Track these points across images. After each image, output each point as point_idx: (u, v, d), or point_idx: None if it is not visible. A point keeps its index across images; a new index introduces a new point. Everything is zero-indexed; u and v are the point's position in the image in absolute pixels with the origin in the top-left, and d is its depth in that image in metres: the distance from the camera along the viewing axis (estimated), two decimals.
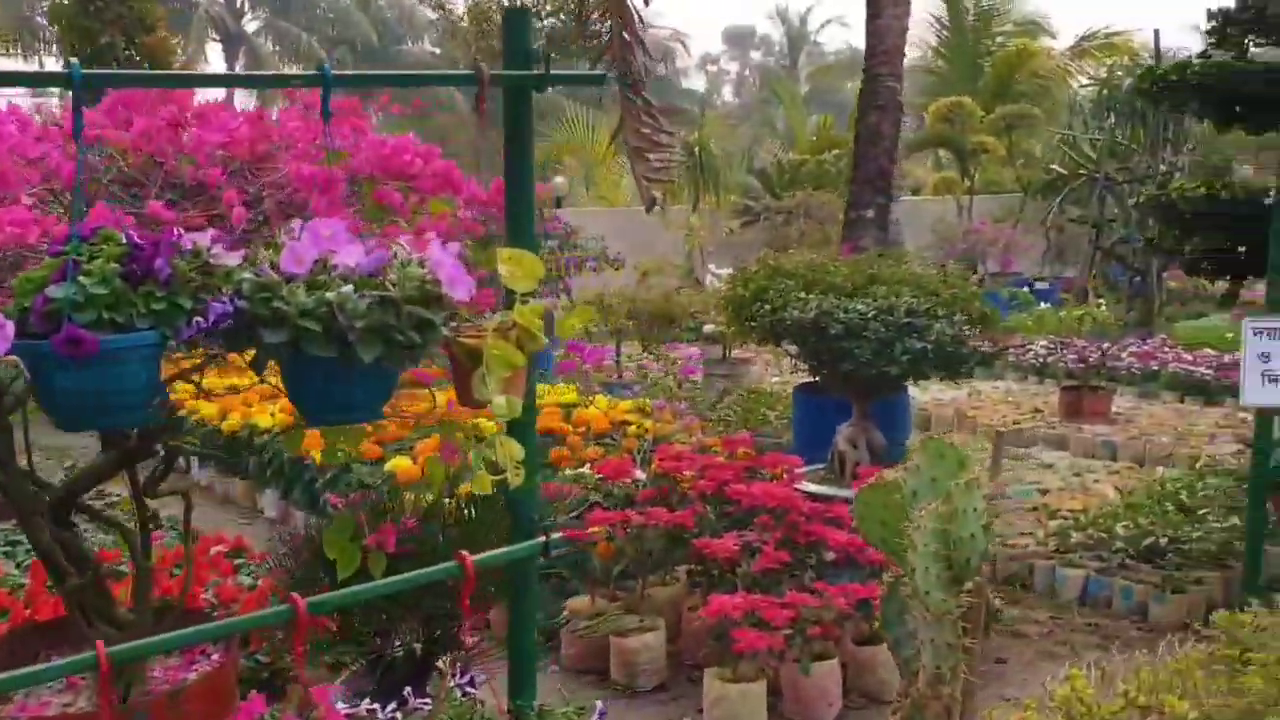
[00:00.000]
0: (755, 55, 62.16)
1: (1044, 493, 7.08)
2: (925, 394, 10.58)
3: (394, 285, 2.08)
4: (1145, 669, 3.62)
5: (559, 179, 16.12)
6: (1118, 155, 13.42)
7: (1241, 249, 6.41)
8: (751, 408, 8.98)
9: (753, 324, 5.75)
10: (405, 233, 3.01)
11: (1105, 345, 10.43)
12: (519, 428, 2.48)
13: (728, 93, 62.89)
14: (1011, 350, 11.79)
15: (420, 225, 3.07)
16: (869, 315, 5.37)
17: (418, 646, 3.47)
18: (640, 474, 5.41)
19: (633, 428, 6.70)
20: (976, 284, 17.06)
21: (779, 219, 15.77)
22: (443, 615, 3.56)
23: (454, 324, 2.30)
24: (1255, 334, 3.96)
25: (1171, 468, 7.38)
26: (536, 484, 2.51)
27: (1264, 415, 4.41)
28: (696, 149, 16.09)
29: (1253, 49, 6.43)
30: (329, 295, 1.98)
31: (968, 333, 5.47)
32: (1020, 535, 6.20)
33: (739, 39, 63.83)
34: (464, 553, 2.37)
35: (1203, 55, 6.72)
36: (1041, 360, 11.25)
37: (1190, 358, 10.66)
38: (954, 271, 7.98)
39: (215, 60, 47.76)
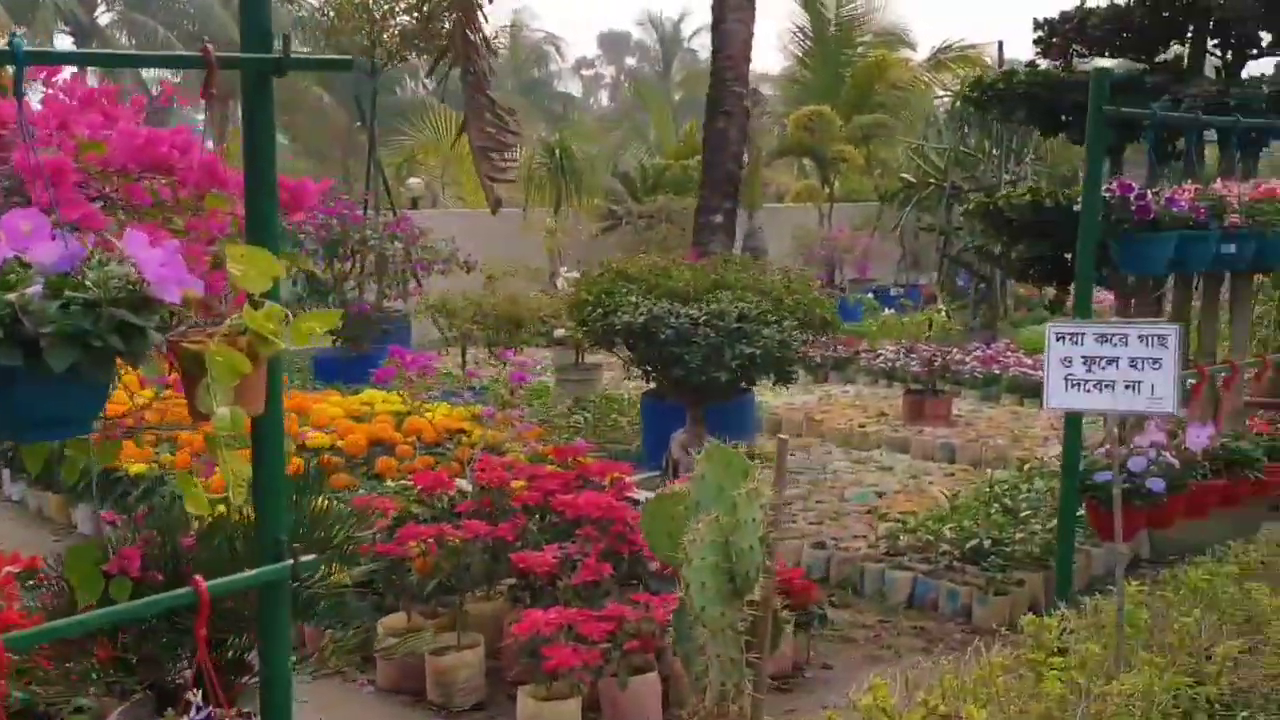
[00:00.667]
0: (630, 61, 62.40)
1: (881, 495, 7.14)
2: (778, 398, 10.66)
3: (97, 285, 1.88)
4: (949, 675, 3.61)
5: (414, 180, 15.79)
6: (964, 165, 13.76)
7: (1068, 255, 6.58)
8: (603, 414, 8.88)
9: (585, 328, 5.64)
10: (163, 230, 2.80)
11: (948, 350, 10.64)
12: (265, 439, 2.30)
13: (604, 97, 63.01)
14: (863, 355, 11.97)
15: (189, 223, 2.86)
16: (700, 321, 5.31)
17: (188, 674, 3.23)
18: (466, 485, 5.24)
19: (467, 437, 6.52)
20: (832, 290, 17.36)
21: (641, 223, 15.75)
22: (224, 640, 3.33)
23: (181, 328, 2.11)
24: (1057, 339, 4.00)
25: (1004, 470, 7.53)
26: (282, 502, 2.33)
27: (1073, 418, 4.48)
28: (557, 151, 15.95)
29: (1076, 60, 6.60)
30: (9, 297, 1.77)
31: (798, 338, 5.44)
32: (854, 538, 6.23)
33: (615, 44, 64.02)
34: (198, 578, 2.18)
35: (1030, 65, 6.88)
36: (890, 365, 11.43)
37: (1030, 362, 10.95)
38: (798, 277, 8.01)
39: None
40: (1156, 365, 3.91)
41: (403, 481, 5.40)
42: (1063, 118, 6.50)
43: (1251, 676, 4.00)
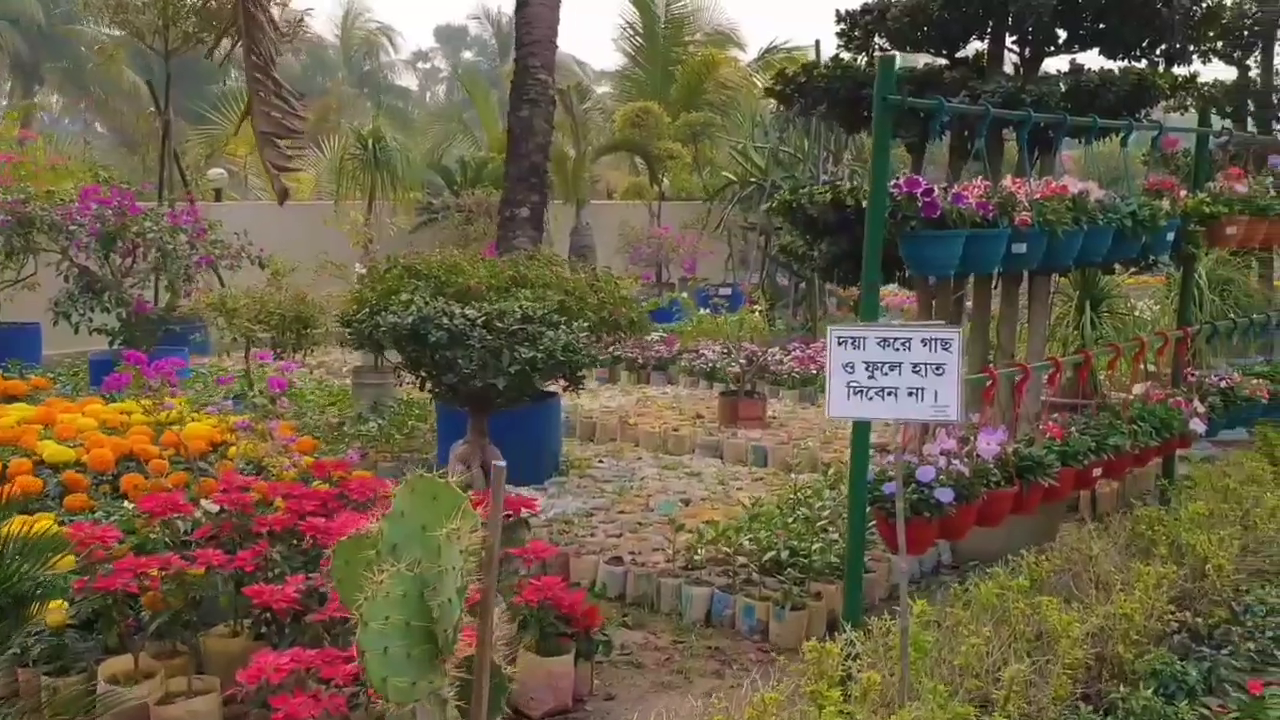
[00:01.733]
0: (468, 54, 61.33)
1: (687, 503, 6.85)
2: (595, 400, 10.31)
3: None
4: (747, 708, 3.29)
5: (216, 170, 14.82)
6: (784, 165, 13.70)
7: None
8: (401, 421, 8.34)
9: (350, 329, 5.13)
10: None
11: (765, 351, 10.49)
12: None
13: (441, 91, 61.75)
14: (685, 355, 11.73)
15: None
16: (477, 321, 4.87)
17: None
18: (212, 506, 4.67)
19: (234, 449, 5.92)
20: (657, 289, 17.15)
21: (459, 217, 15.17)
22: None
23: None
24: (839, 343, 3.72)
25: (813, 474, 7.33)
26: None
27: (861, 426, 4.23)
28: (370, 141, 15.22)
29: (877, 52, 6.43)
30: None
31: (584, 341, 5.06)
32: (654, 551, 5.90)
33: (451, 37, 62.89)
34: None
35: (834, 59, 6.69)
36: (711, 365, 11.22)
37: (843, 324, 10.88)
38: (605, 275, 7.65)
39: None
40: (940, 371, 3.67)
41: None
42: (864, 113, 6.31)
43: (1040, 699, 3.82)
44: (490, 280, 6.68)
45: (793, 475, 6.76)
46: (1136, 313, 8.03)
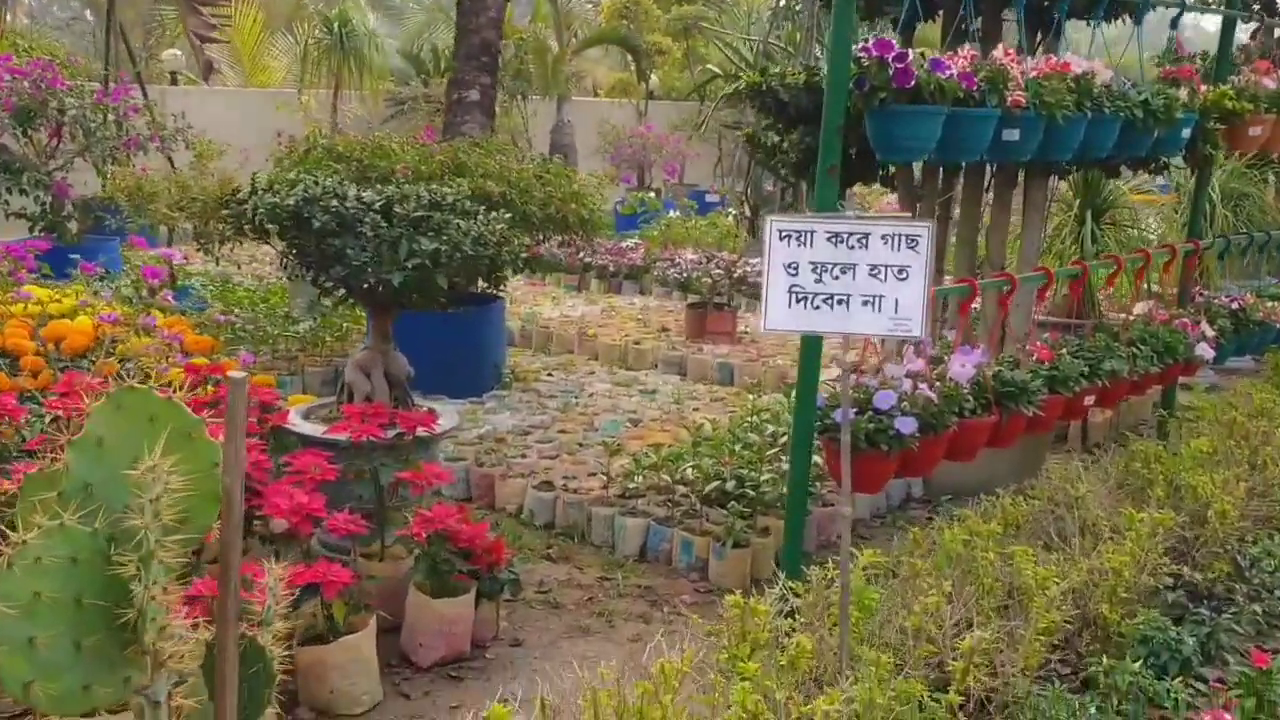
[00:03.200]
0: None
1: (636, 424, 6.21)
2: (556, 308, 9.63)
3: None
4: (607, 692, 2.67)
5: (170, 51, 13.88)
6: (774, 58, 12.80)
7: (854, 150, 5.66)
8: (331, 321, 7.65)
9: (228, 214, 4.41)
10: None
11: (738, 260, 9.77)
12: None
13: None
14: (660, 263, 10.99)
15: None
16: (373, 206, 4.15)
17: None
18: None
19: (120, 346, 5.23)
20: (642, 192, 16.31)
21: (429, 107, 14.30)
22: None
23: None
24: (781, 238, 3.02)
25: (778, 395, 6.68)
26: None
27: (811, 340, 3.56)
28: (336, 25, 14.26)
29: None
30: None
31: (504, 235, 4.35)
32: (590, 476, 5.27)
33: None
34: None
35: None
36: (686, 275, 10.50)
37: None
38: (556, 168, 6.91)
39: None
40: (903, 275, 2.98)
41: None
42: None
43: (1007, 671, 3.22)
44: (419, 165, 5.95)
45: (751, 396, 6.10)
46: (1142, 229, 7.29)
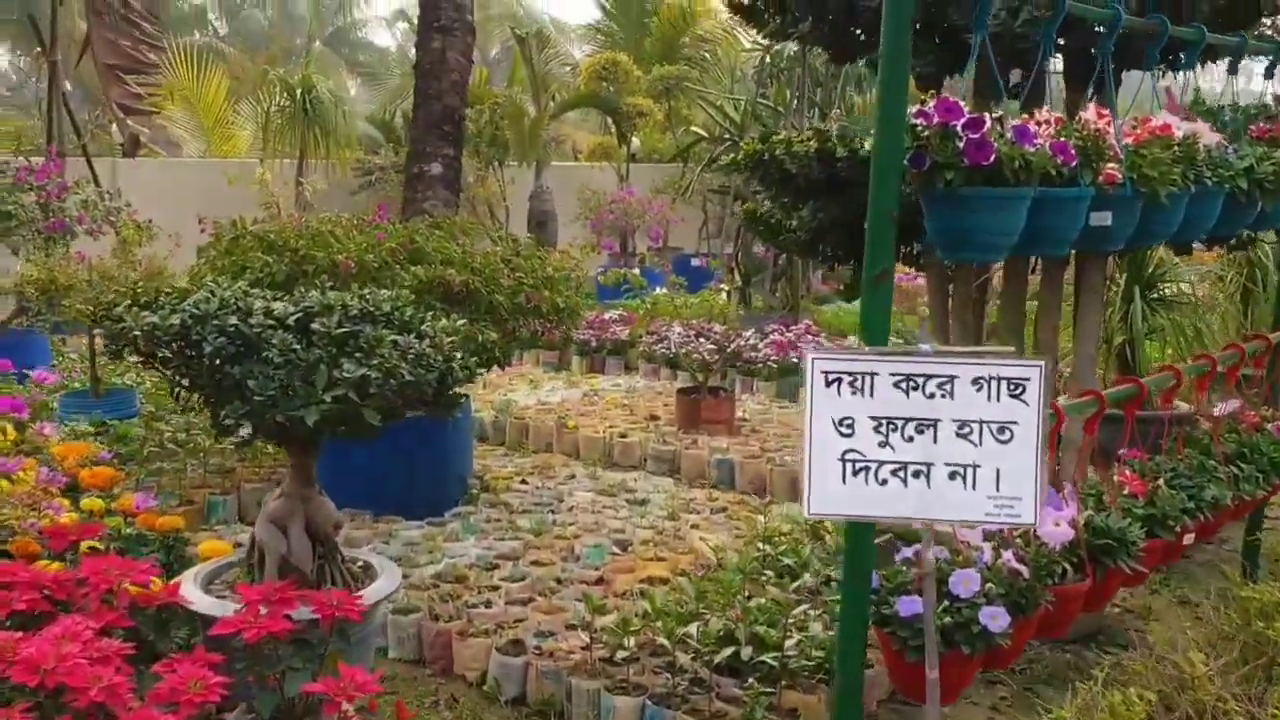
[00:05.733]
0: None
1: (625, 548, 5.26)
2: (534, 393, 8.71)
3: None
4: None
5: (132, 122, 13.01)
6: (762, 119, 12.04)
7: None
8: None
9: (113, 331, 3.49)
10: None
11: (737, 334, 8.89)
12: None
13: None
14: (646, 339, 10.09)
15: None
16: (286, 320, 3.25)
17: None
18: None
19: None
20: (624, 261, 15.48)
21: (400, 178, 13.44)
22: None
23: None
24: (829, 382, 2.13)
25: (791, 506, 5.76)
26: None
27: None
28: (300, 92, 13.45)
29: None
30: None
31: (447, 348, 3.44)
32: (569, 629, 4.30)
33: None
34: None
35: None
36: (674, 351, 9.60)
37: (832, 347, 9.35)
38: (528, 249, 6.04)
39: None
40: (1005, 435, 2.07)
41: None
42: (857, 32, 4.70)
43: None
44: (364, 255, 5.07)
45: (762, 519, 5.17)
46: (1195, 301, 6.42)
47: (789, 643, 3.79)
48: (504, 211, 15.75)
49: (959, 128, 2.54)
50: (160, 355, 3.22)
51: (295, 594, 3.03)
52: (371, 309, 3.42)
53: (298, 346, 3.17)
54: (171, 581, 3.47)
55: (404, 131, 15.45)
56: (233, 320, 3.18)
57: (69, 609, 3.14)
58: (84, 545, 3.52)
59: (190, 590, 3.45)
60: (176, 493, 5.66)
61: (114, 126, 13.01)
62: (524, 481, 6.38)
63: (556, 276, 5.89)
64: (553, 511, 5.77)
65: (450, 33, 6.85)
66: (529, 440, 7.49)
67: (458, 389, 3.70)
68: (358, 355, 3.24)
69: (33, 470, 4.03)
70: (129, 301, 3.37)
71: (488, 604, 4.51)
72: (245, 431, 3.29)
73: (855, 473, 2.11)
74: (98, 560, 3.18)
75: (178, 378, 3.29)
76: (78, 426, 5.96)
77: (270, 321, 3.25)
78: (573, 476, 6.56)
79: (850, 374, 2.13)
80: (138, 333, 3.17)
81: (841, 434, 2.13)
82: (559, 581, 4.81)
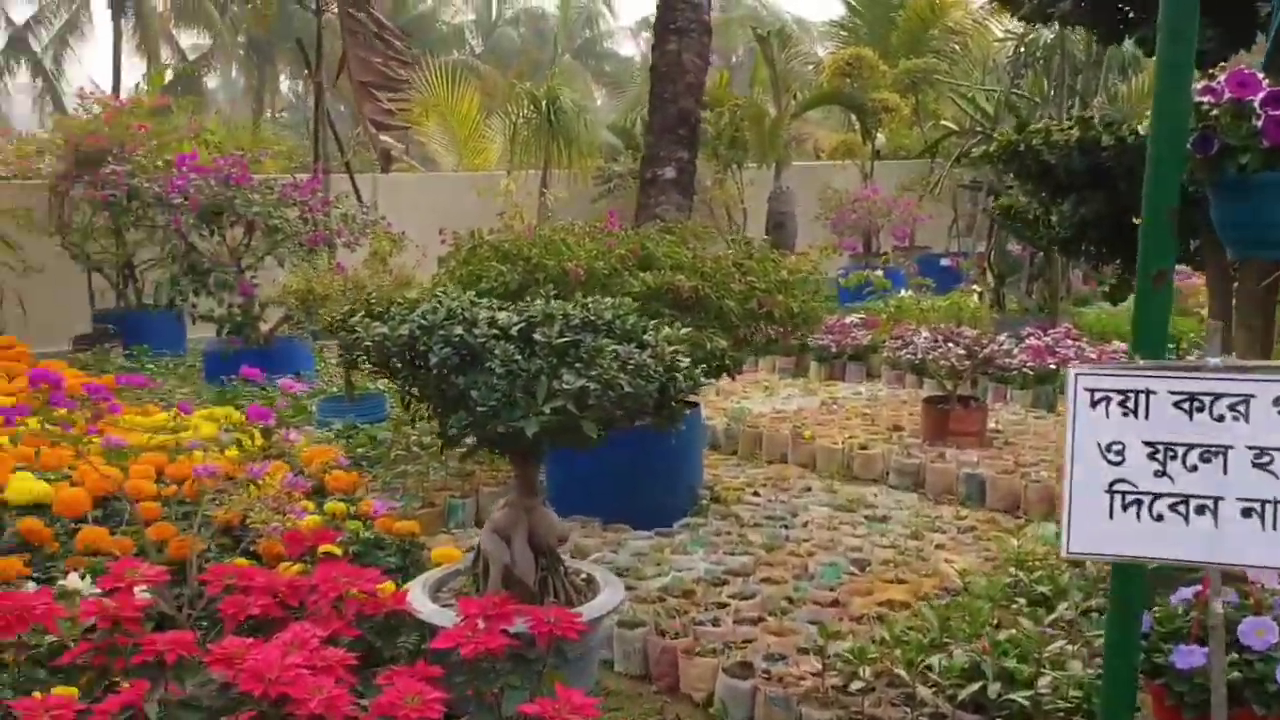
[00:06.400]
0: None
1: (863, 569, 4.98)
2: (769, 400, 8.51)
3: None
4: None
5: (383, 139, 13.69)
6: (1017, 110, 11.34)
7: (1136, 219, 4.33)
8: None
9: (342, 345, 3.55)
10: None
11: (990, 338, 8.36)
12: None
13: None
14: (890, 343, 9.68)
15: None
16: (510, 330, 3.19)
17: None
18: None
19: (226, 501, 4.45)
20: (868, 260, 15.00)
21: (637, 184, 13.53)
22: None
23: None
24: (1094, 402, 1.83)
25: (1048, 525, 5.30)
26: None
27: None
28: (544, 104, 13.76)
29: None
30: None
31: (669, 358, 3.30)
32: (803, 654, 4.08)
33: None
34: None
35: None
36: (920, 356, 9.15)
37: (1095, 354, 8.67)
38: (762, 252, 5.85)
39: (101, 19, 44.73)
40: None
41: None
42: (1125, 8, 4.25)
43: None
44: (594, 261, 5.01)
45: (1014, 541, 4.77)
46: None
47: (1042, 681, 3.43)
48: (742, 214, 15.61)
49: (1256, 103, 2.17)
50: (391, 365, 3.23)
51: (513, 609, 2.96)
52: (593, 318, 3.32)
53: (519, 357, 3.10)
54: (401, 588, 3.49)
55: (642, 138, 15.60)
56: (458, 330, 3.15)
57: (301, 614, 3.20)
58: (321, 549, 3.59)
59: (417, 598, 3.46)
60: (419, 495, 5.80)
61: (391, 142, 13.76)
62: (756, 493, 6.18)
63: (791, 280, 5.67)
64: (786, 526, 5.55)
65: (686, 34, 6.75)
66: (762, 450, 7.28)
67: (680, 399, 3.55)
68: (578, 365, 3.14)
69: (280, 474, 4.18)
70: (363, 312, 3.40)
71: (715, 621, 4.34)
72: (470, 441, 3.25)
73: (1125, 506, 1.81)
74: (327, 567, 3.22)
75: (407, 387, 3.29)
76: (326, 431, 6.26)
77: (494, 331, 3.20)
78: (808, 489, 6.31)
79: (1121, 392, 1.82)
80: (368, 343, 3.19)
81: (1110, 461, 1.83)
82: (791, 601, 4.59)
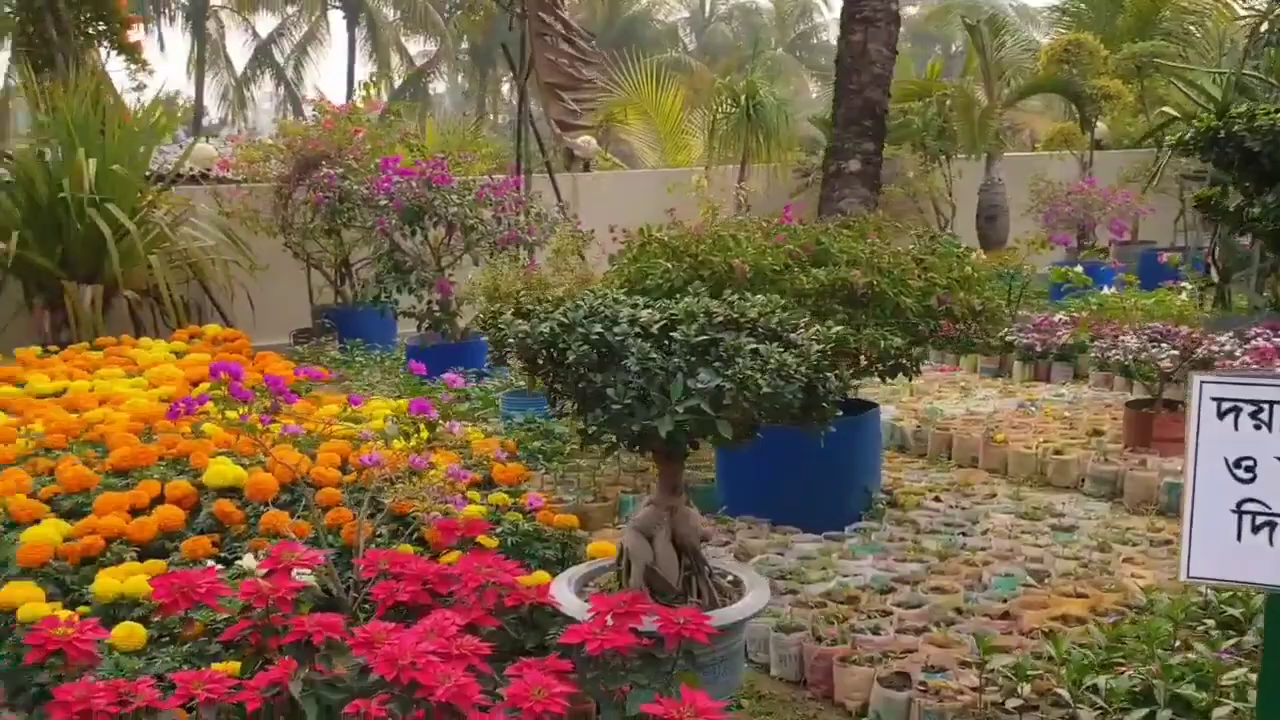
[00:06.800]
0: (911, 9, 58.76)
1: (1042, 580, 4.72)
2: (965, 400, 8.20)
3: None
4: None
5: (585, 138, 13.97)
6: (1250, 93, 10.46)
7: None
8: None
9: (492, 341, 3.64)
10: None
11: (1208, 338, 7.77)
12: None
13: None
14: (1099, 342, 9.14)
15: None
16: (650, 328, 3.19)
17: None
18: (309, 579, 3.37)
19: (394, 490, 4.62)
20: (1082, 246, 14.22)
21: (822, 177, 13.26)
22: None
23: None
24: (1221, 412, 1.66)
25: None
26: None
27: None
28: (744, 98, 13.71)
29: None
30: None
31: (814, 358, 3.22)
32: (961, 666, 3.91)
33: None
34: None
35: None
36: (1131, 357, 8.60)
37: (1229, 368, 7.92)
38: (946, 246, 5.65)
39: (337, 29, 47.51)
40: None
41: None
42: None
43: None
44: (761, 258, 4.96)
45: None
46: None
47: (1219, 711, 3.17)
48: (950, 207, 15.11)
49: None
50: (535, 362, 3.28)
51: (643, 608, 2.96)
52: (736, 316, 3.28)
53: (655, 355, 3.10)
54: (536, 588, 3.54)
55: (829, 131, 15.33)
56: (597, 328, 3.18)
57: (449, 603, 3.30)
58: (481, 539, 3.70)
59: (562, 591, 3.50)
60: (591, 489, 5.88)
61: (580, 142, 14.06)
62: (937, 498, 5.96)
63: (976, 276, 5.44)
64: (964, 534, 5.33)
65: (873, 24, 6.58)
66: (951, 453, 7.02)
67: (831, 401, 3.46)
68: (716, 365, 3.11)
69: (445, 463, 4.33)
70: (511, 311, 3.48)
71: (876, 630, 4.22)
72: (608, 439, 3.28)
73: (1256, 529, 1.64)
74: (474, 557, 3.31)
75: (550, 383, 3.34)
76: (509, 424, 6.45)
77: (636, 329, 3.20)
78: (993, 496, 6.04)
79: (1253, 402, 1.65)
80: (512, 340, 3.25)
81: (1238, 479, 1.66)
82: (959, 612, 4.41)
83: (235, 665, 3.06)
